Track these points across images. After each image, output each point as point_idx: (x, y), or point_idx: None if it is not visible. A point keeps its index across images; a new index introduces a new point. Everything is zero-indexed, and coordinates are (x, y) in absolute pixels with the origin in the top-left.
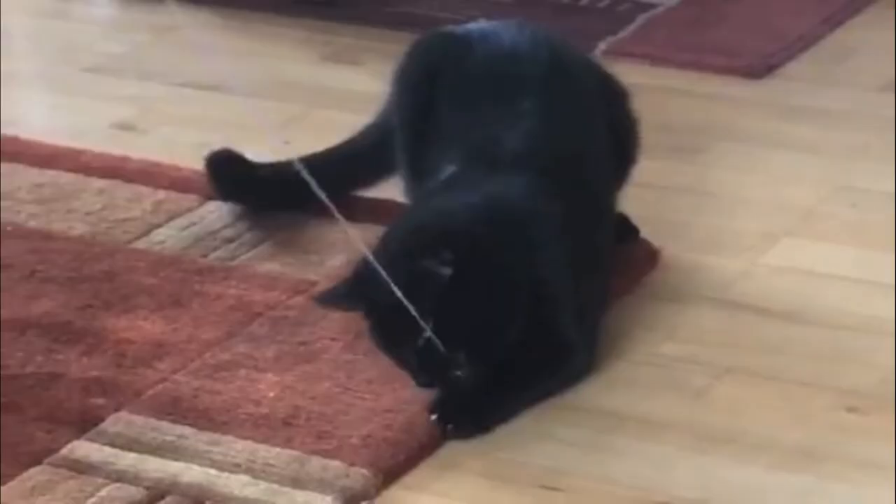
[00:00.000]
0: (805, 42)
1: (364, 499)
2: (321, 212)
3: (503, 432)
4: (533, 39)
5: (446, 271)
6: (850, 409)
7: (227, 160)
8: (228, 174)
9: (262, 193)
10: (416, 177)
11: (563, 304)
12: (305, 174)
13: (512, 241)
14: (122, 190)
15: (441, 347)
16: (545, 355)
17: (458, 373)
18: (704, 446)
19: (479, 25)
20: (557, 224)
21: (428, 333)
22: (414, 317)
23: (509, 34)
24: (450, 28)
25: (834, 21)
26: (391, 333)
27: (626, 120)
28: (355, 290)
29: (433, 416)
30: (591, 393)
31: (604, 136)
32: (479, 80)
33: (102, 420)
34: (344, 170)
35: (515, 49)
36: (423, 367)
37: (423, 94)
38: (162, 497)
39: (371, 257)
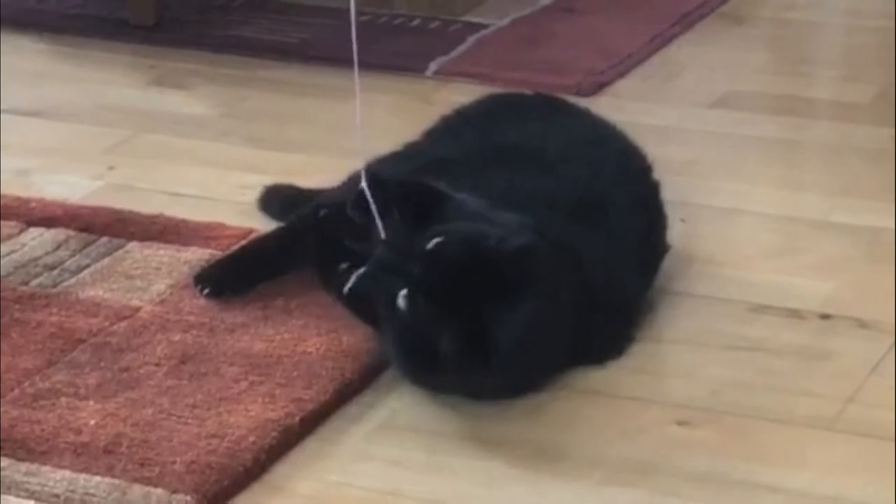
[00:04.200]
0: (635, 60)
1: None
2: (146, 237)
3: (330, 454)
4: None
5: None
6: (681, 423)
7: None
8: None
9: None
10: None
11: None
12: None
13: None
14: None
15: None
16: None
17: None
18: (536, 463)
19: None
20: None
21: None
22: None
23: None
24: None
25: (663, 39)
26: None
27: None
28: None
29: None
30: (419, 412)
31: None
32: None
33: None
34: None
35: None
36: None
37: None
38: None
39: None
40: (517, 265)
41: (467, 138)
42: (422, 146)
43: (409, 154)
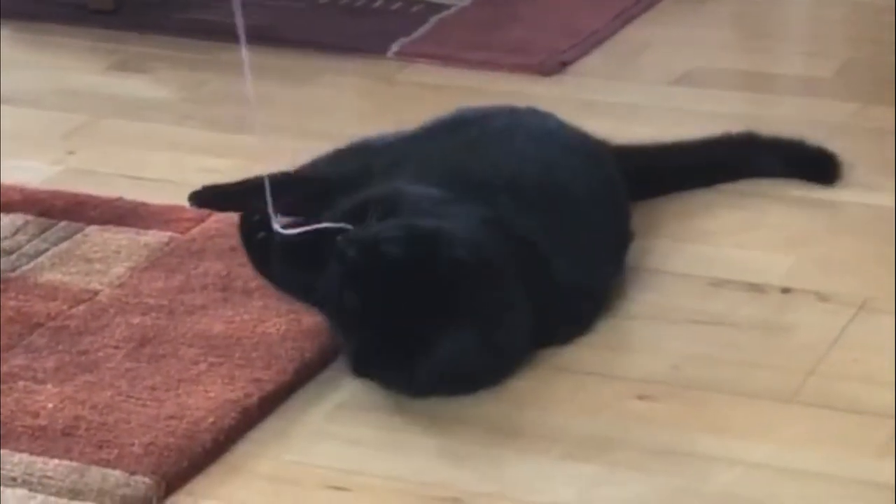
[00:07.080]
0: (597, 38)
1: None
2: (105, 220)
3: (290, 434)
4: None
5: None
6: (642, 397)
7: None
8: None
9: None
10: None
11: None
12: None
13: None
14: None
15: None
16: None
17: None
18: (496, 439)
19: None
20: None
21: None
22: None
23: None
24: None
25: (626, 17)
26: None
27: None
28: None
29: None
30: (378, 391)
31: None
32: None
33: None
34: None
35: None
36: None
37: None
38: None
39: None
40: (454, 280)
41: (429, 135)
42: (381, 142)
43: (367, 148)
